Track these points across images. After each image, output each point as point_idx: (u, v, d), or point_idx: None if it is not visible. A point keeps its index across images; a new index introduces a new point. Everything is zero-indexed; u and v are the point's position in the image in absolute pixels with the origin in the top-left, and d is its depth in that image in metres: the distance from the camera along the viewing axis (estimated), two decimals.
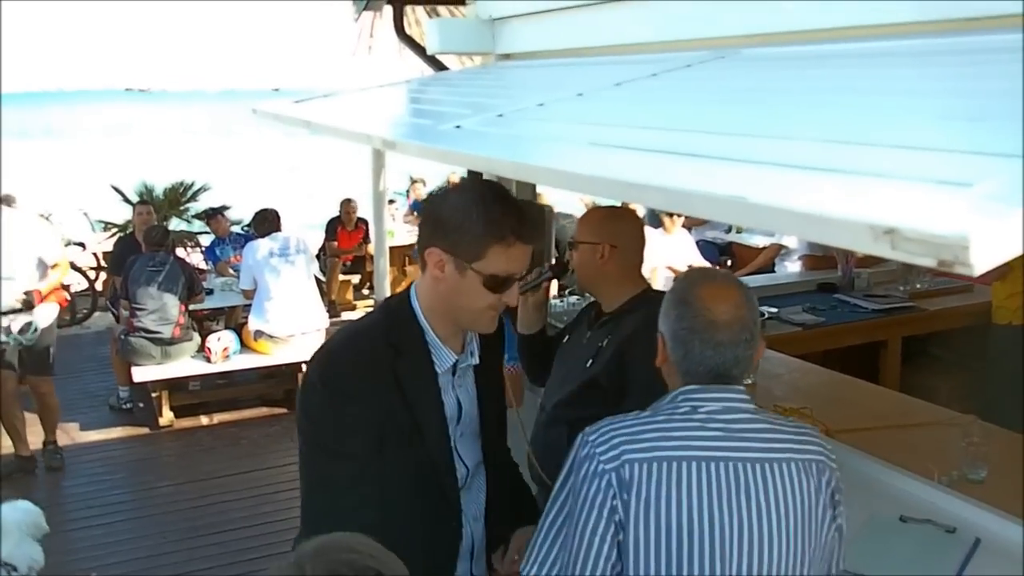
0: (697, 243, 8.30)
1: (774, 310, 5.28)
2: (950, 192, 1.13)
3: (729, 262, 8.92)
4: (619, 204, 3.91)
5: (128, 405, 7.48)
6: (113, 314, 8.38)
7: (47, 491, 6.12)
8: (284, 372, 7.62)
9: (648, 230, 7.50)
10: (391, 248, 9.35)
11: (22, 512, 4.04)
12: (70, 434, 7.02)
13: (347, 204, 10.49)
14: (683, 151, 1.70)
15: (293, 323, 7.34)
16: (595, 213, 3.07)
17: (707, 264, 7.39)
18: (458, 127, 2.42)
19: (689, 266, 6.91)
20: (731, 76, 2.56)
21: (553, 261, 3.82)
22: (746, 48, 2.83)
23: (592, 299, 3.15)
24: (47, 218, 10.83)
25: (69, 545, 5.23)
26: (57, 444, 6.51)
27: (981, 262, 0.94)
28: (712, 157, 1.61)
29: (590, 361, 2.89)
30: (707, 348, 1.89)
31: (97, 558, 5.09)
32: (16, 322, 5.87)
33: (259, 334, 7.31)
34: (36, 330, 5.93)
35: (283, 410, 7.49)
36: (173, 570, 4.98)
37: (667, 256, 6.97)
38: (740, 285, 1.98)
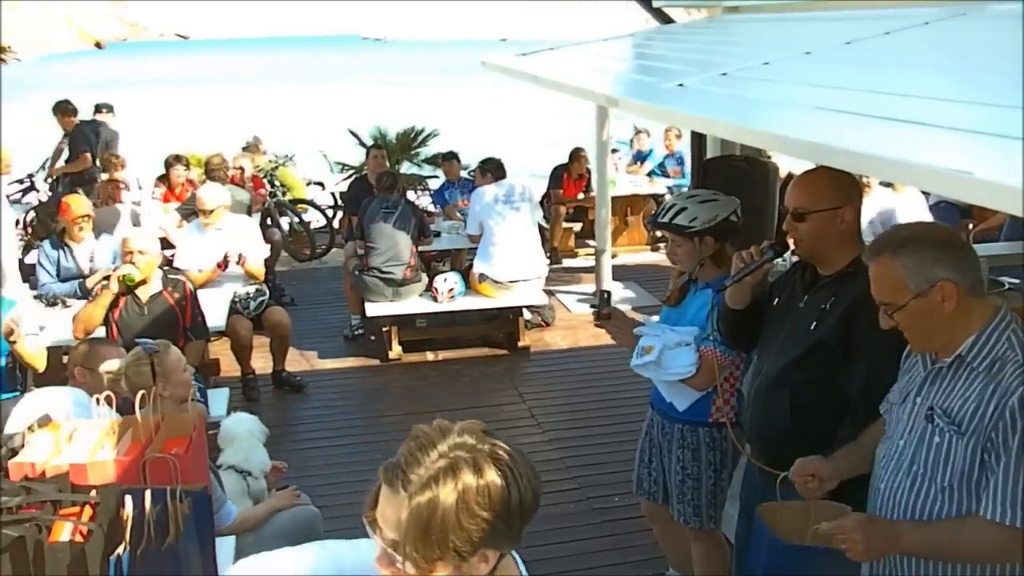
0: (937, 204, 7.87)
1: (1015, 281, 4.91)
2: None
3: (971, 225, 8.35)
4: None
5: (360, 331, 7.98)
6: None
7: (287, 411, 6.69)
8: (505, 315, 7.88)
9: (878, 189, 7.21)
10: (613, 198, 9.40)
11: (248, 421, 4.35)
12: (309, 361, 7.59)
13: (578, 153, 10.61)
14: (911, 119, 1.69)
15: (515, 269, 7.56)
16: (822, 177, 2.86)
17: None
18: (681, 85, 2.46)
19: None
20: (971, 37, 2.46)
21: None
22: (992, 4, 2.70)
23: (797, 259, 3.10)
24: (291, 158, 11.60)
25: (306, 462, 5.70)
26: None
27: None
28: (940, 127, 1.60)
29: (814, 324, 2.87)
30: None
31: (329, 476, 5.52)
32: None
33: (483, 277, 7.58)
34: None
35: (503, 351, 7.76)
36: None
37: (897, 217, 6.69)
38: None
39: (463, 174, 10.24)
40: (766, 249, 3.01)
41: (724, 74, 2.53)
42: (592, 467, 5.63)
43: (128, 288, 5.33)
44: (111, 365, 3.61)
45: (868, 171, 1.58)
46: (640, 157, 11.91)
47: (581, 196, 10.63)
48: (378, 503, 1.56)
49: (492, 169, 7.88)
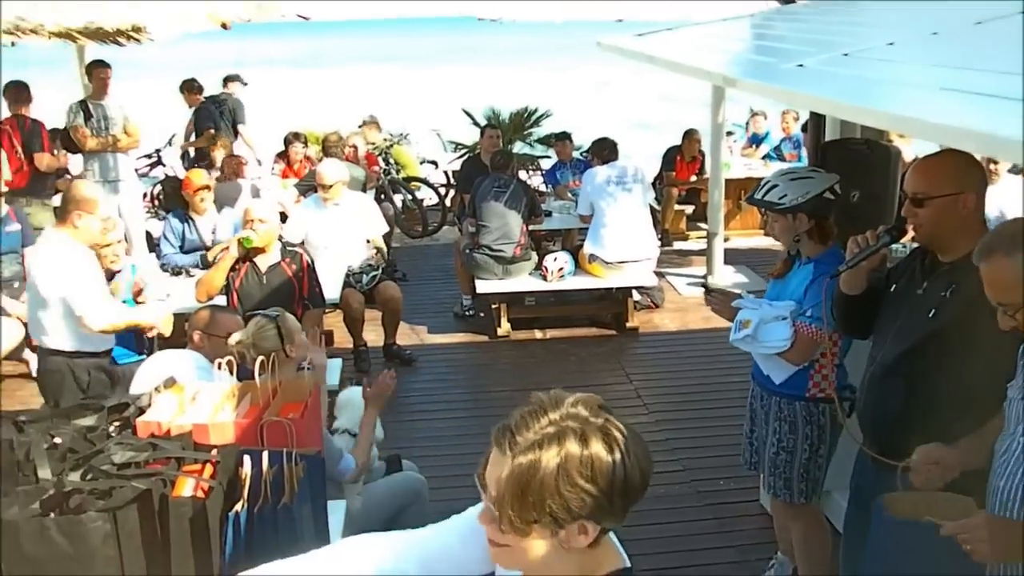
0: None
1: None
2: None
3: None
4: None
5: (470, 312, 8.08)
6: (459, 229, 8.99)
7: (397, 383, 6.80)
8: (614, 296, 7.87)
9: (1007, 176, 6.89)
10: (727, 181, 9.26)
11: (361, 391, 4.49)
12: (419, 335, 7.74)
13: (691, 135, 10.51)
14: None
15: (625, 250, 7.54)
16: (943, 162, 2.81)
17: None
18: (801, 66, 2.42)
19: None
20: None
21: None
22: None
23: (917, 245, 3.02)
24: (405, 137, 11.79)
25: (414, 433, 5.83)
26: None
27: None
28: None
29: (932, 311, 2.80)
30: None
31: (436, 447, 5.62)
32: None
33: (593, 258, 7.59)
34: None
35: (611, 332, 7.76)
36: None
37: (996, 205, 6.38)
38: None
39: (575, 154, 10.25)
40: (882, 234, 2.95)
41: (846, 54, 2.47)
42: (697, 449, 5.60)
43: (247, 252, 5.54)
44: (238, 336, 3.77)
45: (998, 154, 1.54)
46: (756, 140, 11.71)
47: (694, 178, 10.53)
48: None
49: (605, 150, 7.86)
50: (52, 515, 2.30)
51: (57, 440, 2.58)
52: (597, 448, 1.51)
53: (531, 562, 1.58)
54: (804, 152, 9.84)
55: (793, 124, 11.07)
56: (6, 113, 8.01)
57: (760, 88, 2.51)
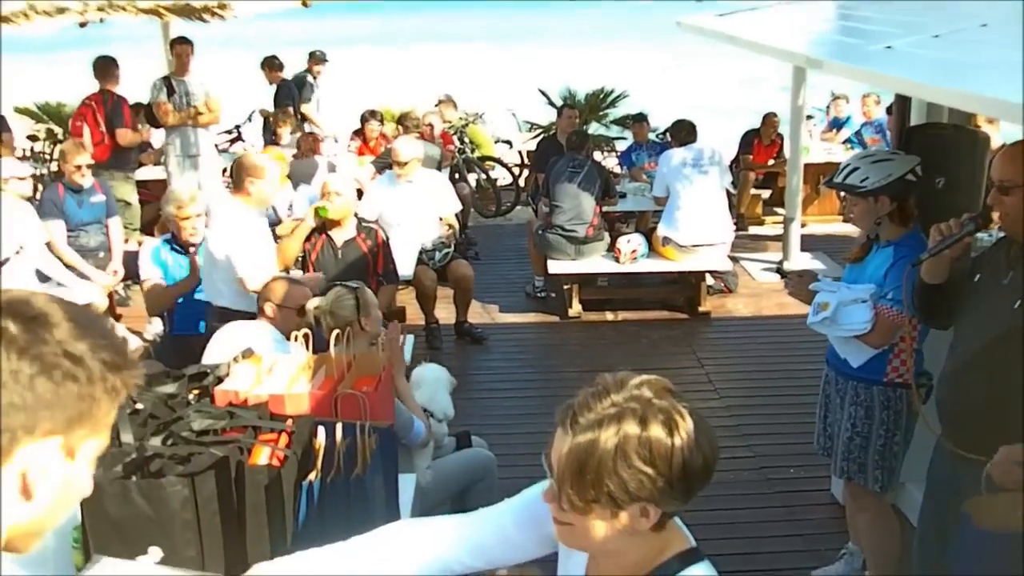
0: None
1: None
2: None
3: None
4: None
5: (542, 294, 8.08)
6: (533, 208, 8.99)
7: (468, 361, 6.89)
8: (687, 279, 7.81)
9: None
10: (806, 165, 9.09)
11: (437, 370, 4.52)
12: (491, 314, 7.78)
13: (769, 118, 10.34)
14: None
15: (700, 233, 7.46)
16: None
17: None
18: (889, 48, 2.37)
19: None
20: None
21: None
22: None
23: (1003, 234, 2.93)
24: (480, 116, 11.80)
25: (484, 411, 5.87)
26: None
27: None
28: None
29: (1018, 303, 2.72)
30: None
31: (506, 426, 5.64)
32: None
33: (667, 240, 7.52)
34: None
35: (683, 316, 7.70)
36: None
37: None
38: None
39: (651, 136, 10.17)
40: (966, 222, 2.86)
41: (936, 36, 2.42)
42: (768, 436, 5.54)
43: (323, 223, 5.63)
44: (317, 302, 3.84)
45: None
46: (836, 124, 11.46)
47: (771, 162, 10.36)
48: None
49: (683, 132, 7.77)
50: (134, 478, 2.37)
51: (139, 406, 2.65)
52: (656, 431, 1.50)
53: (594, 541, 1.59)
54: (888, 136, 9.61)
55: (874, 108, 10.79)
56: (95, 88, 8.23)
57: (846, 70, 2.46)
